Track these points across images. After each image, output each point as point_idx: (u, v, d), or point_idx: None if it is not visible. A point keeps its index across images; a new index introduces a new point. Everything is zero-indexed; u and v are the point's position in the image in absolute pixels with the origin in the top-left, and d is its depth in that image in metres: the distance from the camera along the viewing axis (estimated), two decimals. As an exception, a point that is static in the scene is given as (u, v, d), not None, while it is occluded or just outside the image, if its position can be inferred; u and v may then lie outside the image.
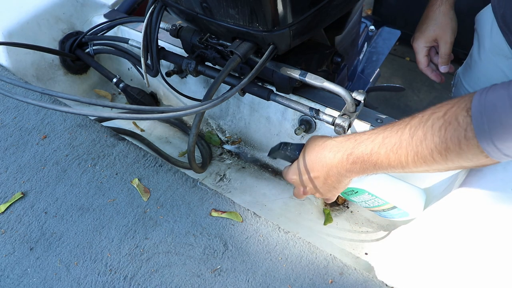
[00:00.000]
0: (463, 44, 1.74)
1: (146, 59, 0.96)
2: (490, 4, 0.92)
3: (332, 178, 0.68)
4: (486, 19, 0.93)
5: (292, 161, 0.78)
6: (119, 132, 1.03)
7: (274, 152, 0.80)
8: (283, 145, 0.78)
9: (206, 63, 0.96)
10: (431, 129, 0.52)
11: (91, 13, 1.20)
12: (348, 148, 0.63)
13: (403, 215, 0.83)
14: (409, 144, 0.54)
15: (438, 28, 0.96)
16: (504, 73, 0.90)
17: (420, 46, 0.99)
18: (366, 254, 0.91)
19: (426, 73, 1.04)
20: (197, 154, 1.11)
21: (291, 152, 0.77)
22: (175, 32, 0.94)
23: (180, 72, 1.01)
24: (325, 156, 0.67)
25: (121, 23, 1.14)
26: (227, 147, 1.16)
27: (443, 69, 1.01)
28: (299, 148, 0.76)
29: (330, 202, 0.81)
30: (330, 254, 0.70)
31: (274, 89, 0.92)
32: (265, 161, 1.14)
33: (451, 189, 0.74)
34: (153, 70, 0.98)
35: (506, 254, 0.61)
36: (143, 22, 0.91)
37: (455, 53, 2.04)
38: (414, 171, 0.57)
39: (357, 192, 0.78)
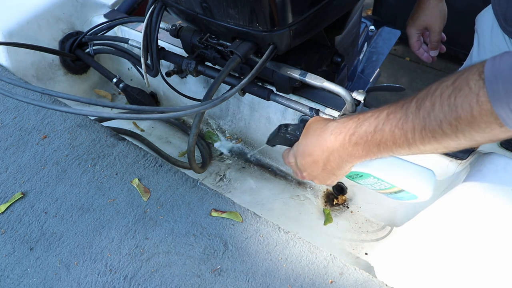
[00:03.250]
0: (463, 44, 1.73)
1: (146, 59, 0.96)
2: (490, 5, 0.93)
3: (332, 164, 0.63)
4: (487, 19, 0.93)
5: (292, 144, 0.74)
6: (119, 132, 1.03)
7: (273, 137, 0.76)
8: (283, 127, 0.74)
9: (206, 63, 0.96)
10: (439, 98, 0.47)
11: (91, 13, 1.20)
12: (350, 128, 0.58)
13: (412, 198, 0.78)
14: (416, 117, 0.49)
15: (428, 18, 1.05)
16: None
17: (412, 32, 1.09)
18: (366, 254, 0.91)
19: (417, 55, 1.14)
20: (197, 154, 1.11)
21: (291, 133, 0.72)
22: (175, 32, 0.94)
23: (180, 72, 1.01)
24: (325, 139, 0.62)
25: (121, 23, 1.14)
26: (225, 145, 1.16)
27: (432, 53, 1.12)
28: (300, 128, 0.72)
29: (330, 185, 0.75)
30: (330, 254, 0.70)
31: (274, 89, 0.92)
32: (266, 161, 1.14)
33: (451, 189, 0.74)
34: (153, 70, 0.98)
35: (506, 254, 0.61)
36: (143, 22, 0.91)
37: (455, 53, 2.04)
38: (422, 150, 0.52)
39: (361, 176, 0.74)
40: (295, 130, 0.72)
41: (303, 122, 0.77)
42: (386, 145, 0.54)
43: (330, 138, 0.61)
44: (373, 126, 0.55)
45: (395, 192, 0.77)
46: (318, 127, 0.65)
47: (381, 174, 0.71)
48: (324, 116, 0.84)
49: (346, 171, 0.66)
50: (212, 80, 0.89)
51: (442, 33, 1.09)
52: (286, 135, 0.73)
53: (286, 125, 0.74)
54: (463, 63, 1.15)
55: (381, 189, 0.78)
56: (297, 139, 0.71)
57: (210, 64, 0.96)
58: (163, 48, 0.99)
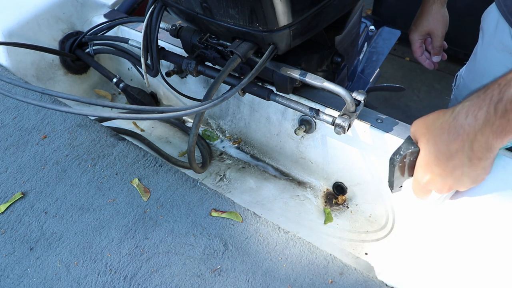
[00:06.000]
0: (463, 44, 1.73)
1: (146, 59, 0.96)
2: (494, 3, 0.93)
3: (479, 154, 0.52)
4: (492, 16, 0.94)
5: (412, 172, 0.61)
6: (119, 132, 1.03)
7: (393, 174, 0.62)
8: (395, 155, 0.60)
9: (206, 63, 0.96)
10: None
11: (91, 13, 1.20)
12: (493, 96, 0.48)
13: None
14: None
15: (430, 23, 1.08)
16: (508, 70, 0.91)
17: (415, 38, 1.11)
18: (366, 254, 0.91)
19: (420, 61, 1.16)
20: (197, 154, 1.11)
21: (410, 152, 0.58)
22: (175, 32, 0.94)
23: (180, 72, 1.01)
24: (462, 126, 0.51)
25: (121, 23, 1.14)
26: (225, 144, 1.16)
27: (435, 59, 1.15)
28: (410, 142, 0.59)
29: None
30: (330, 254, 0.70)
31: (274, 89, 0.92)
32: (265, 160, 1.14)
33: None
34: (153, 70, 0.98)
35: (506, 254, 0.61)
36: (143, 22, 0.91)
37: (456, 53, 2.04)
38: None
39: None
40: (409, 146, 0.58)
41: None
42: None
43: (467, 122, 0.50)
44: None
45: None
46: (443, 121, 0.54)
47: None
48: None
49: (495, 154, 0.54)
50: (212, 80, 0.89)
51: (444, 41, 1.10)
52: (404, 161, 0.60)
53: (395, 153, 0.61)
54: (463, 64, 1.15)
55: None
56: (417, 154, 0.59)
57: (210, 64, 0.96)
58: (163, 48, 0.99)
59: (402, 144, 0.60)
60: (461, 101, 0.53)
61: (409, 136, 0.60)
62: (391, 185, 0.66)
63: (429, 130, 0.56)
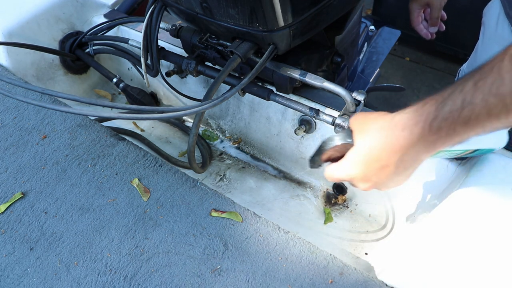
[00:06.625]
0: (463, 44, 1.73)
1: (146, 59, 0.96)
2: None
3: (406, 164, 0.54)
4: (493, 11, 0.95)
5: (339, 158, 0.62)
6: (119, 132, 1.03)
7: (318, 155, 0.64)
8: (328, 141, 0.62)
9: (206, 63, 0.96)
10: None
11: (91, 13, 1.20)
12: (430, 113, 0.49)
13: (488, 152, 0.72)
14: None
15: None
16: None
17: (414, 8, 1.12)
18: (366, 254, 0.91)
19: (417, 30, 1.17)
20: (197, 154, 1.11)
21: (343, 143, 0.60)
22: (175, 32, 0.94)
23: (180, 72, 1.01)
24: (397, 137, 0.52)
25: (121, 23, 1.14)
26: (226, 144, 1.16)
27: (432, 29, 1.15)
28: (349, 134, 0.60)
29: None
30: (330, 254, 0.70)
31: (274, 89, 0.92)
32: (265, 160, 1.14)
33: (451, 189, 0.74)
34: (153, 70, 0.98)
35: (506, 254, 0.61)
36: (143, 22, 0.91)
37: (456, 53, 2.04)
38: None
39: None
40: (345, 138, 0.60)
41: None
42: (477, 120, 0.46)
43: (403, 135, 0.52)
44: (459, 102, 0.46)
45: (471, 153, 0.69)
46: (381, 126, 0.55)
47: None
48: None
49: (419, 164, 0.57)
50: (212, 80, 0.89)
51: (442, 11, 1.11)
52: (335, 149, 0.62)
53: (330, 138, 0.63)
54: (463, 63, 1.15)
55: (451, 156, 0.70)
56: (349, 144, 0.60)
57: (210, 64, 0.96)
58: (163, 48, 0.99)
59: (340, 133, 0.62)
60: (401, 110, 0.54)
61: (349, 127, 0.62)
62: (312, 162, 0.67)
63: (365, 130, 0.57)
